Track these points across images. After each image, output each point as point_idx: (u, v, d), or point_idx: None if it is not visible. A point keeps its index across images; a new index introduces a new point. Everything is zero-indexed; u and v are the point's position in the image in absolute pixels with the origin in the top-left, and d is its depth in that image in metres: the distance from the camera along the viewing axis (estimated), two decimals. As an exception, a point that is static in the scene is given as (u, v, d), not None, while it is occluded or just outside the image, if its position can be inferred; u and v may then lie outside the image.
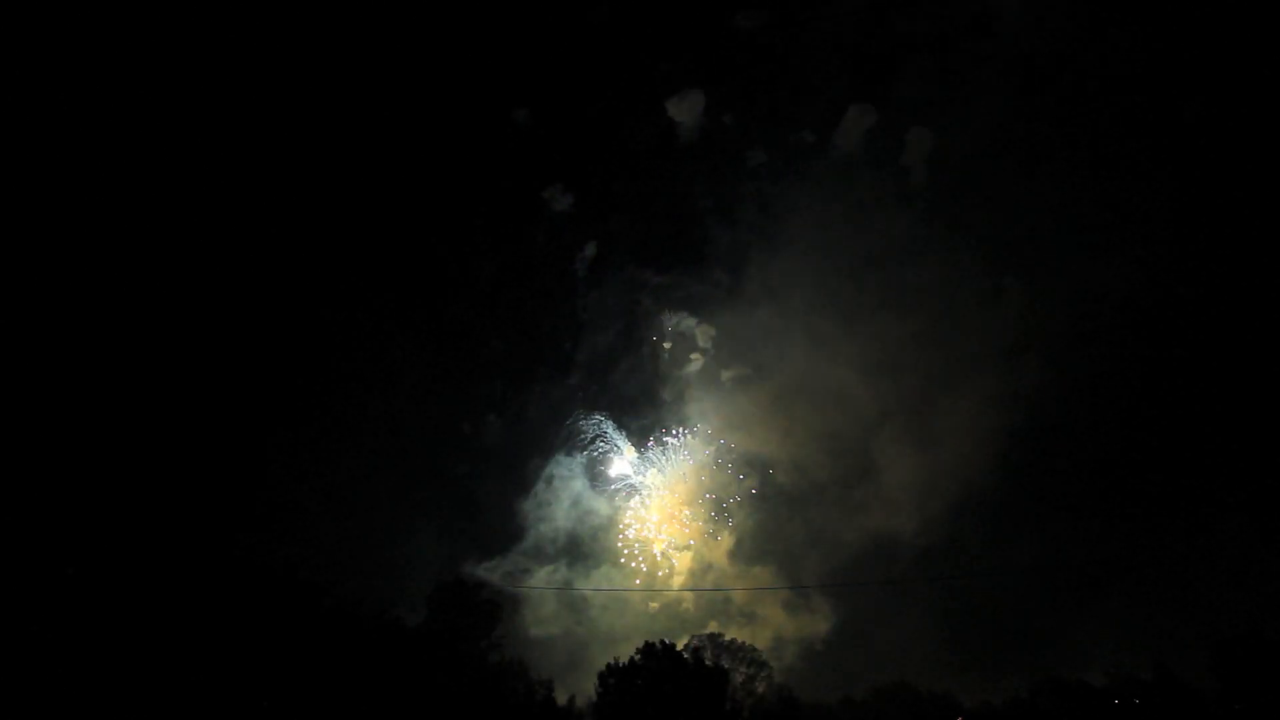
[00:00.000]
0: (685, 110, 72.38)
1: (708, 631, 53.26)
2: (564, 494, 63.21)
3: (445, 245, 69.54)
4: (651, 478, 66.81)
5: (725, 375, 69.10)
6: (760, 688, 51.37)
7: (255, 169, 59.58)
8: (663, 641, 49.48)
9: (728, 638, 52.69)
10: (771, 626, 60.26)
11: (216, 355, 53.83)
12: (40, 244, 48.65)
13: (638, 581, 62.61)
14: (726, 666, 50.63)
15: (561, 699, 48.04)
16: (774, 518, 65.53)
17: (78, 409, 46.99)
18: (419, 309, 67.10)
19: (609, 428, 67.16)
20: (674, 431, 67.39)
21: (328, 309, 61.48)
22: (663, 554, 63.61)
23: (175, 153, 56.94)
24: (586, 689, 48.22)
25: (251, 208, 58.07)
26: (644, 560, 63.38)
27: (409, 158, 68.32)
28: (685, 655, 50.03)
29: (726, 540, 65.12)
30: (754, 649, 52.53)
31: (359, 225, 64.67)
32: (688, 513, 65.54)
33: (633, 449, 67.16)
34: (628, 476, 66.61)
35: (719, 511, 65.58)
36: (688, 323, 69.77)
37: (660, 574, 63.70)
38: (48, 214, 49.09)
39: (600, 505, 64.88)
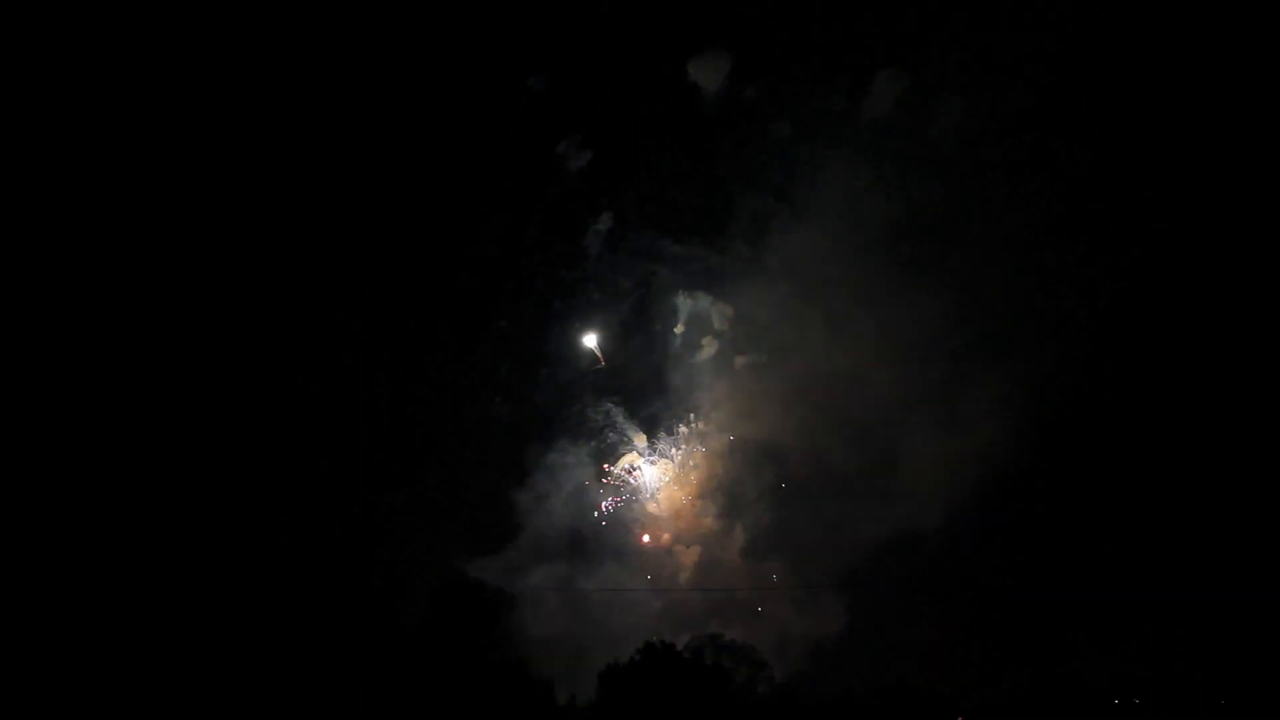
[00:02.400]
0: (709, 72, 69.32)
1: (708, 631, 53.42)
2: (568, 486, 62.21)
3: (450, 218, 67.24)
4: (662, 469, 65.49)
5: (741, 360, 66.99)
6: (760, 688, 51.56)
7: (251, 139, 58.06)
8: (662, 641, 49.62)
9: (728, 637, 52.82)
10: (779, 624, 59.53)
11: (198, 337, 52.84)
12: (40, 244, 47.98)
13: (648, 577, 62.53)
14: (727, 666, 50.77)
15: (562, 699, 48.21)
16: (789, 511, 63.55)
17: (72, 405, 46.70)
18: (422, 284, 65.07)
19: (619, 415, 65.73)
20: (687, 420, 65.95)
21: (319, 288, 59.83)
22: (669, 550, 63.44)
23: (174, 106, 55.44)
24: (588, 689, 48.28)
25: (243, 184, 56.64)
26: (649, 556, 63.08)
27: (414, 127, 65.70)
28: (685, 655, 50.25)
29: (738, 534, 63.76)
30: (754, 649, 52.56)
31: (354, 202, 62.71)
32: (698, 506, 64.63)
33: (643, 437, 65.71)
34: (637, 467, 65.32)
35: (731, 504, 64.34)
36: (704, 301, 67.79)
37: (666, 571, 62.96)
38: (47, 214, 48.36)
39: (606, 498, 63.98)
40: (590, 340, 66.95)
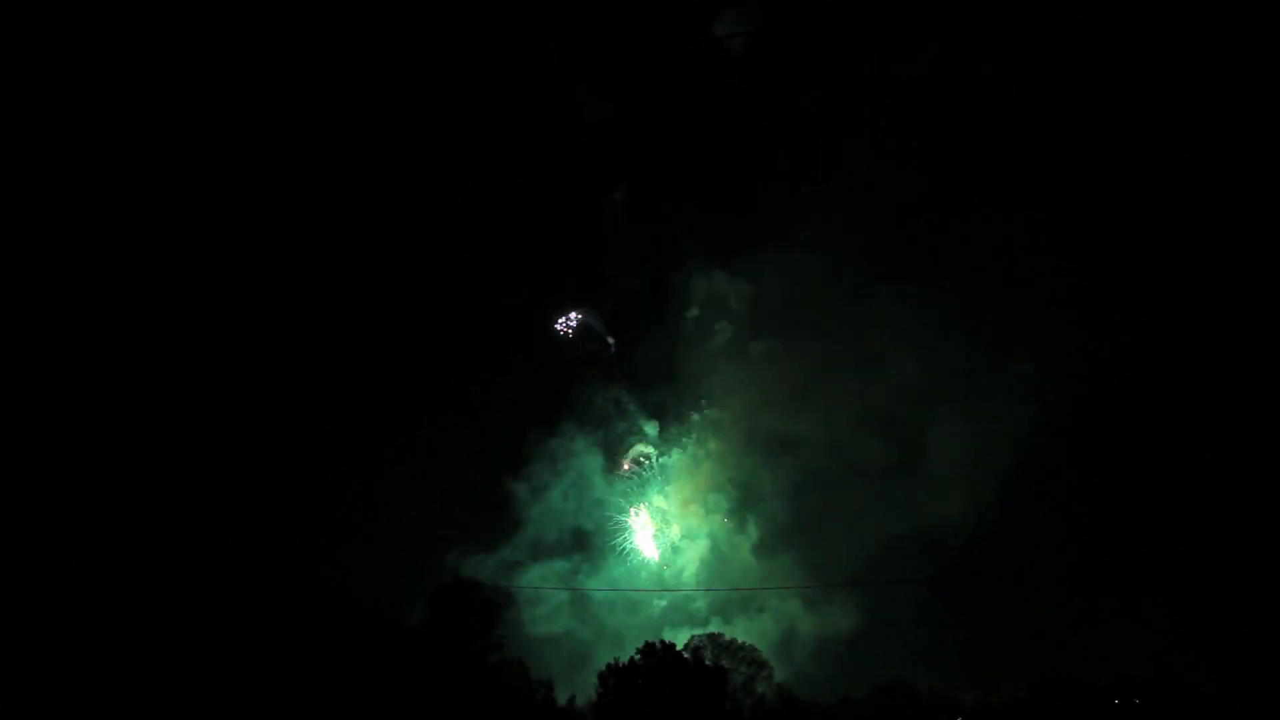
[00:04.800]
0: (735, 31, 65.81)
1: (708, 631, 52.90)
2: (575, 478, 61.08)
3: (456, 187, 64.63)
4: (674, 459, 63.71)
5: (759, 344, 65.29)
6: (760, 688, 51.52)
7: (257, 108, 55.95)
8: (662, 641, 49.41)
9: (728, 637, 52.52)
10: (787, 623, 58.84)
11: (190, 322, 51.57)
12: (40, 244, 46.66)
13: (646, 575, 61.16)
14: (727, 666, 50.68)
15: (562, 699, 48.15)
16: (803, 505, 62.02)
17: (80, 406, 45.93)
18: (424, 259, 62.79)
19: (629, 401, 64.25)
20: (699, 406, 64.28)
21: (311, 262, 57.83)
22: (676, 546, 62.29)
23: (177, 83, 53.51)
24: (590, 689, 48.22)
25: (247, 159, 54.68)
26: (656, 553, 61.89)
27: (423, 93, 62.96)
28: (685, 655, 50.13)
29: (750, 529, 62.28)
30: (754, 649, 52.31)
31: (356, 174, 60.46)
32: (710, 499, 62.80)
33: (654, 424, 64.28)
34: (647, 457, 63.95)
35: (744, 497, 62.77)
36: (721, 279, 65.21)
37: (673, 567, 61.88)
38: (47, 214, 46.95)
39: (613, 491, 62.80)
40: (599, 322, 65.57)
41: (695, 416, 64.03)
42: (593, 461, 61.81)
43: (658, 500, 62.22)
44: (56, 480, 42.98)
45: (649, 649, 48.70)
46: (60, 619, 40.74)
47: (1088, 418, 59.71)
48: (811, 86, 67.70)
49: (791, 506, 61.86)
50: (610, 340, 65.37)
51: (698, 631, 53.09)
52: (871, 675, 54.42)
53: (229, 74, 54.84)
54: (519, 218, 66.59)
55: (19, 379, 43.35)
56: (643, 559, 60.87)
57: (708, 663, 49.91)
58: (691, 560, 60.89)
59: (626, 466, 62.53)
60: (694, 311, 64.42)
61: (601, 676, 48.04)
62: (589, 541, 60.91)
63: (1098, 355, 58.58)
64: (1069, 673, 53.20)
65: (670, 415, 64.08)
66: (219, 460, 48.86)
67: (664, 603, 58.90)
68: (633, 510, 61.74)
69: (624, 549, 60.92)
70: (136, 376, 47.89)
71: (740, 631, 53.88)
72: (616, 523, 61.45)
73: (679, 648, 50.11)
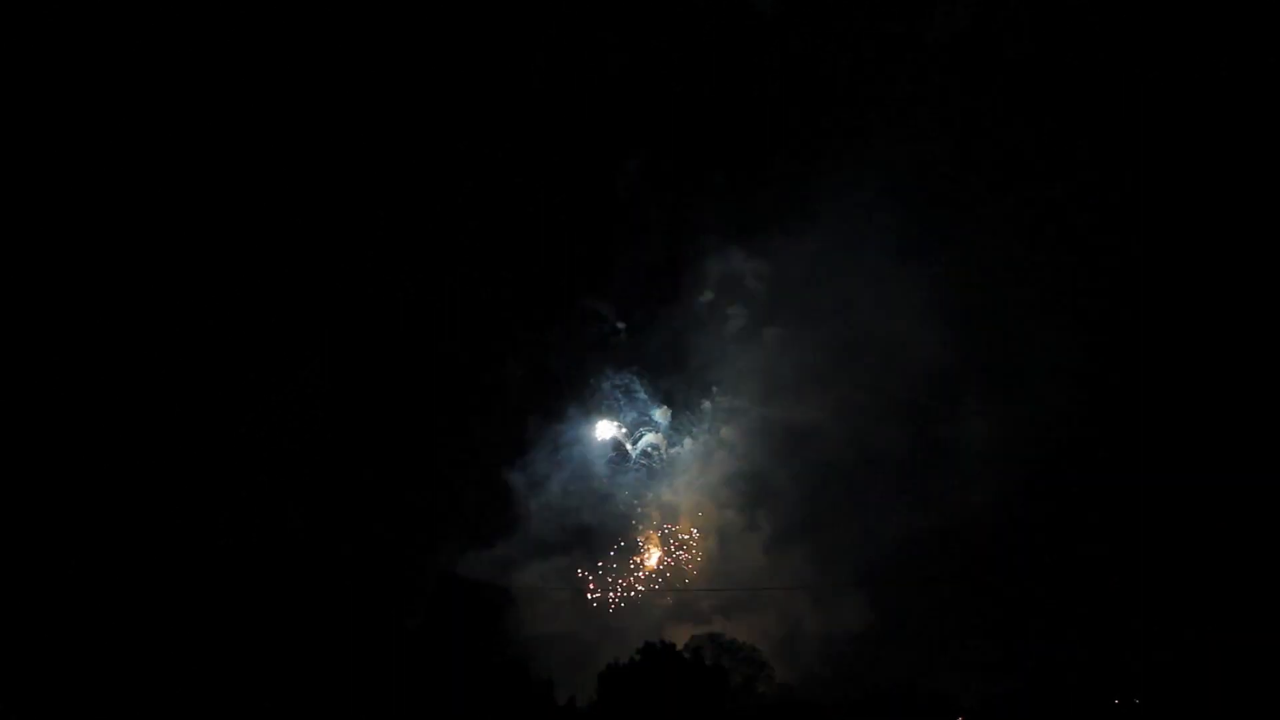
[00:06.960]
0: None
1: (708, 631, 52.95)
2: (578, 470, 59.41)
3: (455, 153, 62.01)
4: (687, 449, 61.50)
5: (774, 329, 62.07)
6: (761, 688, 51.78)
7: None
8: (662, 641, 49.43)
9: (729, 637, 52.45)
10: (793, 621, 57.44)
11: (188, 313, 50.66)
12: (40, 243, 45.71)
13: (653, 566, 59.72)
14: (727, 667, 50.87)
15: (563, 699, 48.33)
16: (818, 498, 58.97)
17: (77, 400, 45.49)
18: (421, 238, 60.28)
19: (640, 389, 61.65)
20: (712, 394, 61.57)
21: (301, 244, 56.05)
22: (685, 543, 60.20)
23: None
24: (591, 689, 47.79)
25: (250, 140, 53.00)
26: (663, 550, 60.12)
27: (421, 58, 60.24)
28: (685, 655, 50.24)
29: (760, 525, 60.00)
30: (755, 649, 52.38)
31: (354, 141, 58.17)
32: (720, 491, 60.41)
33: (666, 411, 61.74)
34: (658, 448, 61.77)
35: (756, 491, 60.01)
36: (736, 256, 62.94)
37: (680, 564, 59.72)
38: (47, 214, 45.88)
39: (621, 485, 60.68)
40: (607, 302, 63.03)
41: (707, 404, 62.18)
42: (602, 456, 60.53)
43: (666, 494, 61.25)
44: (55, 479, 43.08)
45: (649, 649, 48.90)
46: (60, 619, 41.06)
47: (1120, 409, 58.15)
48: (837, 50, 64.78)
49: (805, 499, 59.56)
50: (619, 324, 63.18)
51: (701, 630, 53.36)
52: (876, 675, 54.19)
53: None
54: (523, 193, 64.00)
55: (19, 378, 43.16)
56: (651, 555, 59.90)
57: (708, 663, 50.12)
58: (697, 556, 60.22)
59: (634, 457, 61.24)
60: (708, 294, 62.31)
61: (602, 677, 48.28)
62: (593, 537, 59.65)
63: (1133, 342, 56.85)
64: (1068, 673, 53.31)
65: (681, 403, 62.38)
66: (215, 459, 48.52)
67: (669, 600, 58.60)
68: (643, 507, 60.46)
69: (637, 545, 59.68)
70: (131, 373, 47.40)
71: (745, 630, 53.68)
72: (626, 518, 60.56)
73: (679, 648, 50.30)
